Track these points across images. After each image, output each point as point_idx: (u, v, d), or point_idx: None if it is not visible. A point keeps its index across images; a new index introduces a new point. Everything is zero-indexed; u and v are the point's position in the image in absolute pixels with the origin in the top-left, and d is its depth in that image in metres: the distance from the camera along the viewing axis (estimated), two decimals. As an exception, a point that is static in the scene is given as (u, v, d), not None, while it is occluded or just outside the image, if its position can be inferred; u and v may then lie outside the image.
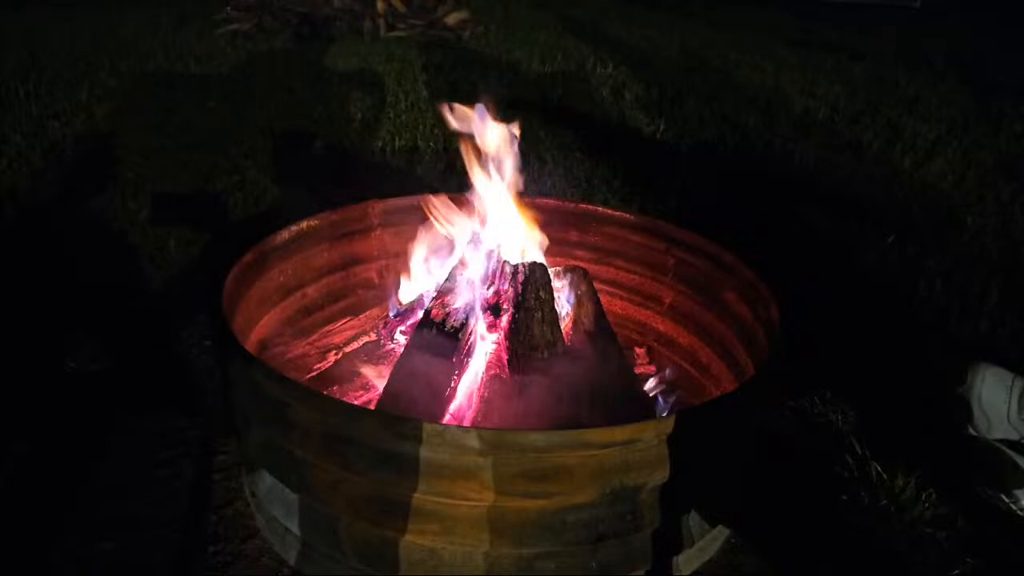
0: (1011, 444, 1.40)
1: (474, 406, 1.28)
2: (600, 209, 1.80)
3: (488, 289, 1.42)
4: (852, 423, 1.58)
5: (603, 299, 1.59)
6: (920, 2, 9.67)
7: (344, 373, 1.46)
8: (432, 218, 1.57)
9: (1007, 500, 1.34)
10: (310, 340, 1.55)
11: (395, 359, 1.38)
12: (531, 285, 1.40)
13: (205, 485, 1.36)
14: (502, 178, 1.50)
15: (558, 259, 1.73)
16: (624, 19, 7.16)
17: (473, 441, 0.97)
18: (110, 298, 1.96)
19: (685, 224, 1.69)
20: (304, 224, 1.62)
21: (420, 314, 1.43)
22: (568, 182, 2.88)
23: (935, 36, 7.04)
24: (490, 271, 1.44)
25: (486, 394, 1.29)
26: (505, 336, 1.37)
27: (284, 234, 1.57)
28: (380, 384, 1.37)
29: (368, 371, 1.44)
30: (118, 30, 5.42)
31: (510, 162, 1.49)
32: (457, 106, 1.48)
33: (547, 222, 1.79)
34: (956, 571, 1.24)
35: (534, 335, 1.32)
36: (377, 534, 1.08)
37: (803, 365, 1.60)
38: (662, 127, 3.64)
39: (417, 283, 1.60)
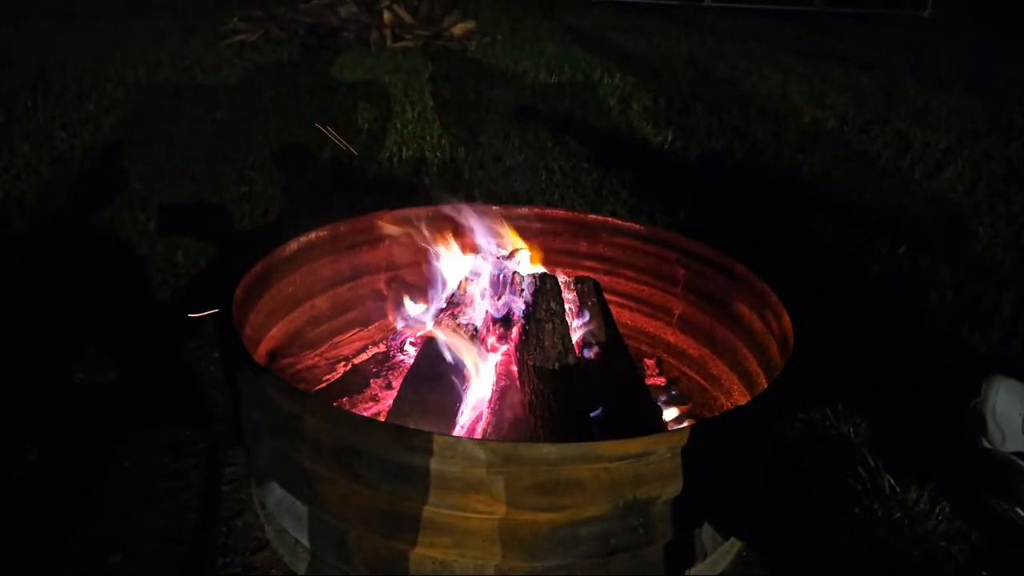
0: (1025, 457, 1.38)
1: (485, 418, 1.27)
2: (610, 220, 1.80)
3: (498, 300, 1.42)
4: (864, 435, 1.56)
5: (613, 310, 1.59)
6: (928, 12, 9.68)
7: (353, 384, 1.46)
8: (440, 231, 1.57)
9: (1021, 513, 1.32)
10: (319, 351, 1.54)
11: (405, 370, 1.37)
12: (542, 296, 1.39)
13: (214, 497, 1.35)
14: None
15: (568, 270, 1.73)
16: (631, 30, 7.18)
17: (484, 454, 0.96)
18: (118, 310, 1.96)
19: (694, 235, 1.69)
20: (312, 235, 1.62)
21: (430, 325, 1.43)
22: (576, 193, 2.88)
23: (943, 46, 7.04)
24: (500, 282, 1.44)
25: (496, 406, 1.28)
26: (515, 348, 1.36)
27: (292, 245, 1.57)
28: (390, 396, 1.36)
29: (378, 383, 1.43)
30: (125, 42, 5.46)
31: None
32: None
33: (557, 233, 1.80)
34: (971, 586, 1.22)
35: (545, 346, 1.32)
36: (388, 547, 1.07)
37: (815, 377, 1.59)
38: (670, 137, 3.64)
39: (427, 294, 1.60)
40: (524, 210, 1.82)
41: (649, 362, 1.74)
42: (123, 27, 6.11)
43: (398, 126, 3.65)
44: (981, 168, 3.35)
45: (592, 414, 1.27)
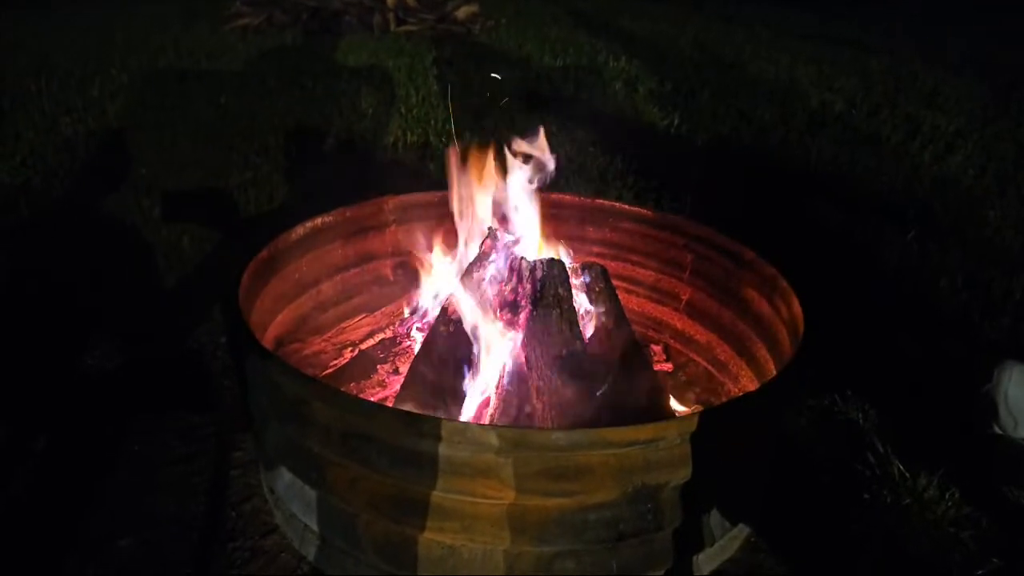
0: (1037, 443, 1.37)
1: (493, 404, 1.27)
2: (617, 205, 1.79)
3: (506, 286, 1.41)
4: (873, 421, 1.56)
5: (620, 296, 1.58)
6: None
7: (361, 370, 1.45)
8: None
9: (1033, 499, 1.32)
10: (326, 337, 1.54)
11: (412, 356, 1.37)
12: (549, 282, 1.38)
13: (223, 481, 1.35)
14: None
15: (575, 256, 1.72)
16: (636, 13, 7.11)
17: (493, 439, 0.96)
18: (125, 296, 1.96)
19: (701, 220, 1.68)
20: (319, 220, 1.61)
21: (437, 311, 1.42)
22: (582, 177, 2.86)
23: (952, 29, 6.96)
24: (507, 268, 1.43)
25: (504, 392, 1.28)
26: (523, 333, 1.35)
27: (299, 230, 1.56)
28: (397, 381, 1.36)
29: (385, 368, 1.43)
30: (129, 27, 5.43)
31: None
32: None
33: (563, 218, 1.78)
34: (980, 571, 1.22)
35: (552, 332, 1.31)
36: (397, 531, 1.07)
37: (823, 363, 1.59)
38: (676, 121, 3.61)
39: (434, 279, 1.59)
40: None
41: (656, 348, 1.74)
42: (125, 12, 6.07)
43: (402, 111, 3.63)
44: (991, 151, 3.32)
45: (599, 394, 1.26)
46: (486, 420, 1.26)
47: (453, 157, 1.47)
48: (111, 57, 4.45)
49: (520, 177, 1.49)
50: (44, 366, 1.67)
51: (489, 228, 1.53)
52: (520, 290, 1.40)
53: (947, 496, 1.34)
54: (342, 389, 1.33)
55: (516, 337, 1.37)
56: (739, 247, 1.56)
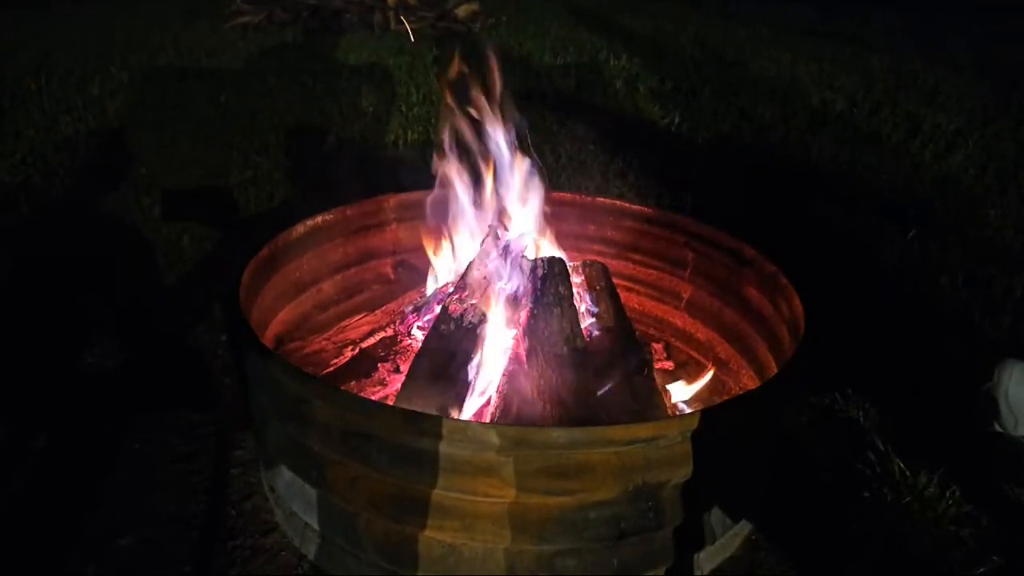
0: (1038, 441, 1.38)
1: (493, 402, 1.27)
2: (618, 203, 1.78)
3: (506, 284, 1.41)
4: (874, 420, 1.56)
5: (620, 294, 1.58)
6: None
7: (361, 369, 1.45)
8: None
9: (1033, 498, 1.32)
10: (326, 335, 1.54)
11: (413, 354, 1.37)
12: (550, 280, 1.38)
13: (223, 480, 1.35)
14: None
15: (576, 254, 1.72)
16: (637, 11, 7.10)
17: (494, 438, 0.96)
18: (125, 295, 1.96)
19: (702, 218, 1.68)
20: (319, 219, 1.61)
21: (438, 309, 1.42)
22: (582, 175, 2.86)
23: (953, 28, 6.96)
24: (508, 266, 1.43)
25: (505, 390, 1.28)
26: (524, 331, 1.35)
27: (299, 229, 1.56)
28: (398, 380, 1.36)
29: (385, 367, 1.43)
30: (129, 25, 5.43)
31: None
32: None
33: (564, 216, 1.78)
34: (981, 569, 1.22)
35: (553, 330, 1.31)
36: (397, 530, 1.07)
37: (824, 361, 1.58)
38: (677, 120, 3.61)
39: (435, 277, 1.59)
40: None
41: (657, 346, 1.73)
42: (126, 10, 6.07)
43: (403, 109, 3.63)
44: (991, 150, 3.32)
45: (600, 392, 1.26)
46: (487, 418, 1.26)
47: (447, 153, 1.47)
48: (111, 55, 4.45)
49: (520, 175, 1.49)
50: (44, 364, 1.67)
51: (490, 226, 1.53)
52: (521, 288, 1.40)
53: (947, 494, 1.34)
54: (342, 388, 1.33)
55: (517, 335, 1.37)
56: (740, 245, 1.55)
